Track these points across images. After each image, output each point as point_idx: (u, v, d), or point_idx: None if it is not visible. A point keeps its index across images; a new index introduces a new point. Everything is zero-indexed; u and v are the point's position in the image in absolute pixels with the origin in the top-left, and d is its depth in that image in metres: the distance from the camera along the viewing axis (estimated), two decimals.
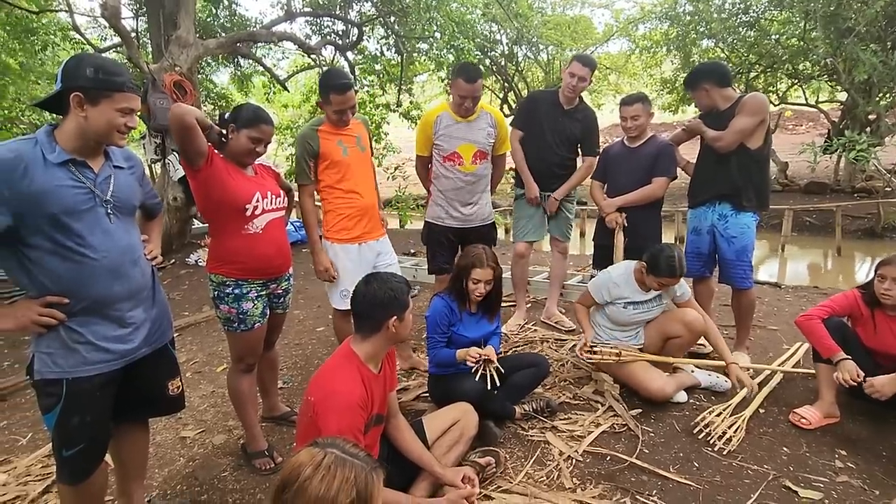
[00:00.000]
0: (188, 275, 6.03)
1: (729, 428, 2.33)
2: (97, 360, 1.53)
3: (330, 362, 1.76)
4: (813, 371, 2.61)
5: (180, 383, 1.87)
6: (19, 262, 1.45)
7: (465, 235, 3.04)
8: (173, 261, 6.52)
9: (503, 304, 2.86)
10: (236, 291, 2.12)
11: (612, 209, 3.11)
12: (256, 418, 2.39)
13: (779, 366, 2.84)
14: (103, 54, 9.98)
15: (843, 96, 12.23)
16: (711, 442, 2.26)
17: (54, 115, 1.61)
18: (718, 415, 2.43)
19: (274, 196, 2.18)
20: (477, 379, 2.31)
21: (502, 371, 2.36)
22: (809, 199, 10.78)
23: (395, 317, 1.72)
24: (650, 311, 2.73)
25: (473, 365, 2.31)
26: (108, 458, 1.71)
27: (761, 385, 2.67)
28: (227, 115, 2.13)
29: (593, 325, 2.82)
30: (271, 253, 2.17)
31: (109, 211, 1.53)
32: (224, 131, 2.07)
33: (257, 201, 2.09)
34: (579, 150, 3.46)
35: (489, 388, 2.29)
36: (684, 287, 2.75)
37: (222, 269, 2.12)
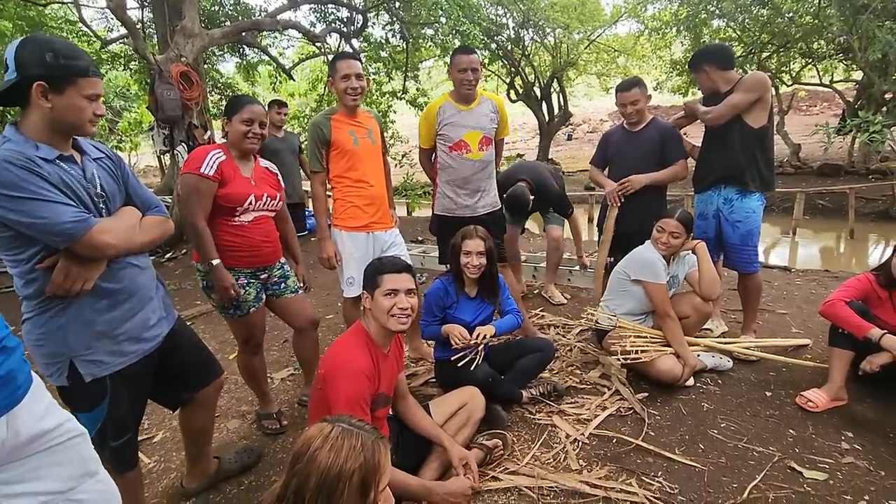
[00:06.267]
0: None
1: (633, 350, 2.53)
2: (134, 349, 1.58)
3: (339, 338, 1.85)
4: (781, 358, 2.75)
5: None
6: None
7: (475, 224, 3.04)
8: (184, 251, 6.60)
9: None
10: None
11: (640, 185, 3.00)
12: (267, 386, 2.57)
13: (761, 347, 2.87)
14: (109, 46, 10.01)
15: (858, 75, 11.93)
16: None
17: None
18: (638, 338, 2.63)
19: (269, 198, 2.25)
20: (454, 357, 2.29)
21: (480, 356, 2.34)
22: (822, 181, 10.60)
23: (367, 295, 1.82)
24: (670, 290, 2.79)
25: (456, 345, 2.27)
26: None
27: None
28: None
29: (605, 307, 2.83)
30: (258, 241, 2.23)
31: (101, 205, 1.46)
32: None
33: (249, 204, 2.16)
34: None
35: (471, 368, 2.29)
36: (693, 259, 2.84)
37: None
